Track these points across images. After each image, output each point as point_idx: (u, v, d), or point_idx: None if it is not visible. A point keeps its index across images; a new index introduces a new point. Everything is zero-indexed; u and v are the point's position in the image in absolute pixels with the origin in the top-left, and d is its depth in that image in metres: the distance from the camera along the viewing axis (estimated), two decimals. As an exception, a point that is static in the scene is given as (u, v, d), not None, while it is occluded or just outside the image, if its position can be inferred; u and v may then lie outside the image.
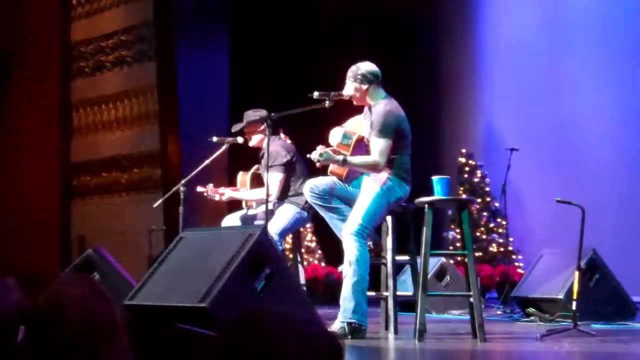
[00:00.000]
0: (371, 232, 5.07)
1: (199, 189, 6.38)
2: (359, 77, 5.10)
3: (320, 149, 4.96)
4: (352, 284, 4.88)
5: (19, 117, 11.45)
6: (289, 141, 6.52)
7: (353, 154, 5.09)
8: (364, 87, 5.10)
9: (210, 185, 6.36)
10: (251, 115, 6.20)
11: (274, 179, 6.05)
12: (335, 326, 4.83)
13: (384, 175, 5.03)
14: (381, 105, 5.05)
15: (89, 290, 1.84)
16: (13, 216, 11.07)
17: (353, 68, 5.15)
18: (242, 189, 6.39)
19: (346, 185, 5.18)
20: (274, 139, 6.20)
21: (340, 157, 4.97)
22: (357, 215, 4.97)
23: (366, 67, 5.14)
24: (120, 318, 1.86)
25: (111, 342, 1.81)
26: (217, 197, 6.33)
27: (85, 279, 1.95)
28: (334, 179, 5.19)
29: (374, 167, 5.01)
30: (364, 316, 4.89)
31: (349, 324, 4.84)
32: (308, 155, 5.07)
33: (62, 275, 1.93)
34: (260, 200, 6.05)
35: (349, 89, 5.14)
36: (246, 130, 6.30)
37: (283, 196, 6.15)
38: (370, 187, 5.04)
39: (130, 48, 10.72)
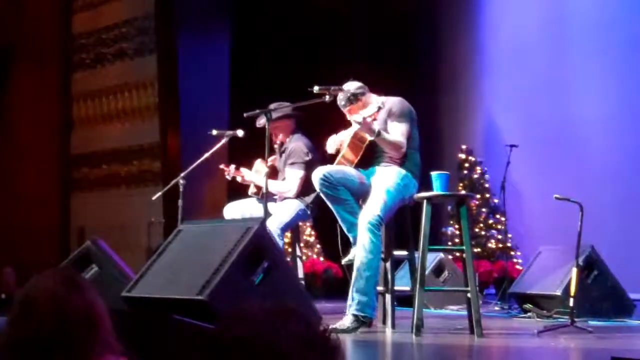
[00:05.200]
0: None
1: (222, 166, 6.36)
2: (351, 97, 5.21)
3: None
4: (366, 278, 4.88)
5: (19, 108, 11.45)
6: None
7: (362, 155, 5.13)
8: (361, 100, 5.22)
9: (233, 167, 6.29)
10: (276, 110, 5.96)
11: (294, 175, 5.99)
12: (348, 319, 4.84)
13: (401, 170, 5.06)
14: (395, 97, 5.18)
15: (63, 285, 1.79)
16: (12, 208, 11.07)
17: (340, 96, 5.21)
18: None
19: (360, 177, 5.07)
20: (298, 135, 6.18)
21: (376, 128, 4.99)
22: (375, 205, 4.93)
23: (349, 86, 5.26)
24: (101, 313, 1.80)
25: (88, 339, 1.76)
26: (239, 179, 6.30)
27: (61, 273, 1.89)
28: (350, 171, 5.09)
29: (399, 148, 5.07)
30: (374, 310, 4.97)
31: (363, 317, 4.88)
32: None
33: (41, 271, 1.87)
34: (278, 194, 6.04)
35: (348, 111, 5.22)
36: (272, 126, 5.96)
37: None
38: (388, 179, 5.02)
39: (131, 40, 10.72)
